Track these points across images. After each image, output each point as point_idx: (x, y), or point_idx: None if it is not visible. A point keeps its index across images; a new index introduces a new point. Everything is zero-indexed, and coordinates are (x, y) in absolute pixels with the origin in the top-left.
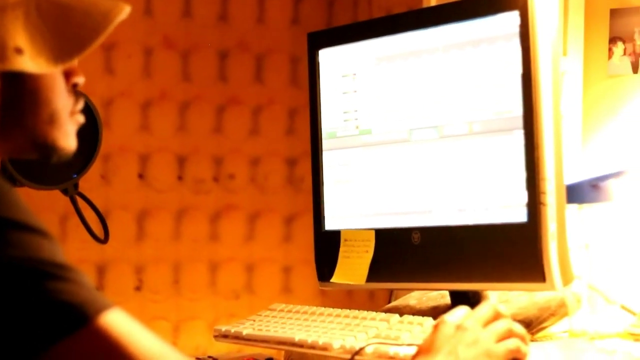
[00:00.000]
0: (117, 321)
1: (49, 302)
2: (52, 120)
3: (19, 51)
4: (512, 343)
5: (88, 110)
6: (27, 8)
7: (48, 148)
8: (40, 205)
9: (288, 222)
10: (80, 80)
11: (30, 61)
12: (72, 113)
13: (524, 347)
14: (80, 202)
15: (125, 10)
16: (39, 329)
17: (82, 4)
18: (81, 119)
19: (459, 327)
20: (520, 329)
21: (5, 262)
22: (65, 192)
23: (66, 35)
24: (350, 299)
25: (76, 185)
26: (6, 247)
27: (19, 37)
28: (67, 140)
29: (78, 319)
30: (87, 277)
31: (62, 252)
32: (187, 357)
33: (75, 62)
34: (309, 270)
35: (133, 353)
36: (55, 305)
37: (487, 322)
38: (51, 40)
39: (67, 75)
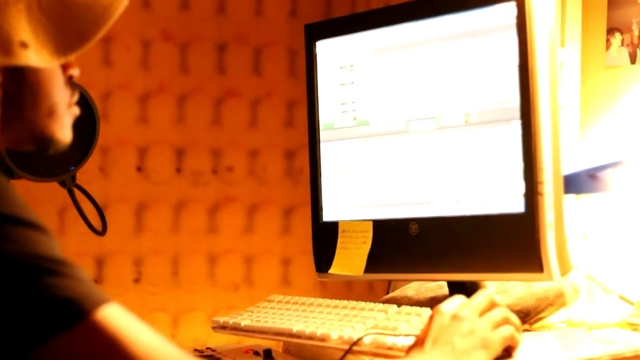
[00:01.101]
0: (114, 316)
1: (46, 298)
2: (51, 112)
3: (24, 45)
4: (507, 330)
5: (85, 103)
6: (29, 2)
7: (46, 140)
8: (38, 197)
9: (287, 214)
10: (76, 72)
11: (35, 55)
12: (69, 105)
13: (517, 335)
14: (79, 195)
15: (125, 3)
16: (35, 324)
17: None
18: (76, 111)
19: (454, 317)
20: (514, 318)
21: (1, 257)
22: (62, 184)
23: (68, 29)
24: (349, 290)
25: (74, 178)
26: (2, 242)
27: (23, 31)
28: (64, 132)
29: (74, 314)
30: (84, 271)
31: (58, 247)
32: (184, 352)
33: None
34: (308, 262)
35: (130, 347)
36: (52, 300)
37: (483, 312)
38: (53, 34)
39: (64, 67)
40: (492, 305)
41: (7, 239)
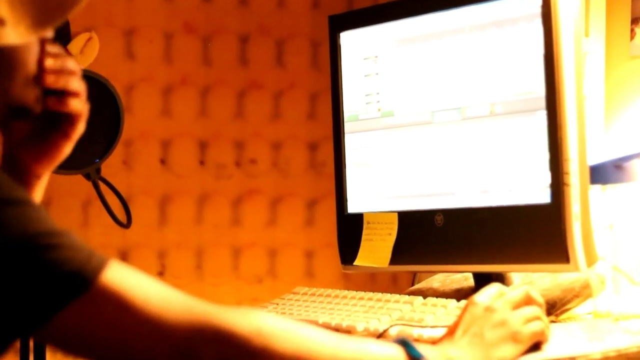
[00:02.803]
0: (118, 275)
1: (48, 273)
2: (28, 83)
3: (2, 23)
4: (537, 325)
5: (110, 96)
6: None
7: (23, 110)
8: (62, 191)
9: (310, 206)
10: (48, 34)
11: (12, 31)
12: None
13: (547, 331)
14: (103, 188)
15: None
16: (41, 300)
17: None
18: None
19: (487, 309)
20: (545, 319)
21: None
22: (87, 176)
23: (46, 2)
24: (373, 282)
25: (98, 170)
26: None
27: (2, 7)
28: (40, 101)
29: (79, 284)
30: (76, 235)
31: (48, 216)
32: (194, 299)
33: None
34: (332, 254)
35: (140, 304)
36: (55, 274)
37: (517, 305)
38: (31, 8)
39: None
40: (528, 300)
41: (1, 221)
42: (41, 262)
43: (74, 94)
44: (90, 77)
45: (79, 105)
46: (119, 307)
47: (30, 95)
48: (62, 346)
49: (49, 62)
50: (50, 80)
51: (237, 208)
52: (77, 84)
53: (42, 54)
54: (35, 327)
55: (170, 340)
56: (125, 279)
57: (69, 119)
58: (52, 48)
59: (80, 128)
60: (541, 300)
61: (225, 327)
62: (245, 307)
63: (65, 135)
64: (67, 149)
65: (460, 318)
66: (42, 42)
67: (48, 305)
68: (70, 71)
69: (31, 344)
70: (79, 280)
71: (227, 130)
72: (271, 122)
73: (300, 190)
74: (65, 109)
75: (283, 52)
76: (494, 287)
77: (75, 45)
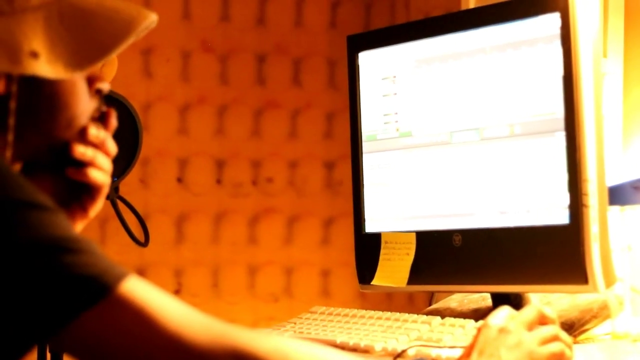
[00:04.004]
0: (138, 288)
1: (68, 277)
2: (70, 125)
3: (34, 55)
4: (555, 346)
5: (128, 114)
6: (49, 12)
7: (64, 153)
8: None
9: (326, 225)
10: (105, 86)
11: (46, 65)
12: (94, 119)
13: (568, 352)
14: (120, 206)
15: (150, 18)
16: (60, 304)
17: (106, 10)
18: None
19: (502, 330)
20: (566, 336)
21: (18, 243)
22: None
23: (87, 41)
24: (389, 301)
25: (117, 189)
26: (16, 229)
27: (37, 40)
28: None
29: (99, 290)
30: (97, 245)
31: (70, 224)
32: (212, 318)
33: (97, 68)
34: (348, 273)
35: (157, 318)
36: (75, 279)
37: (532, 325)
38: (71, 45)
39: (90, 80)
40: (542, 319)
41: (22, 224)
42: (62, 265)
43: (97, 167)
44: (109, 97)
45: (100, 177)
46: (139, 318)
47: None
48: (78, 353)
49: (92, 133)
50: (79, 152)
51: (253, 226)
52: (103, 160)
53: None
54: (53, 331)
55: (189, 356)
56: (145, 291)
57: (89, 191)
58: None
59: (99, 203)
60: (554, 316)
61: (244, 347)
62: (263, 329)
63: (83, 208)
64: (82, 222)
65: (475, 340)
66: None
67: (67, 309)
68: (102, 146)
69: (48, 356)
70: (99, 286)
71: (243, 149)
72: (288, 141)
73: (317, 209)
74: (85, 180)
75: (300, 71)
76: (505, 310)
77: None
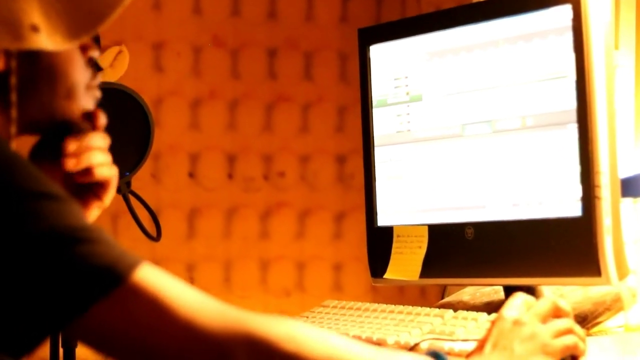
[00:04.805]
0: (151, 276)
1: (82, 266)
2: (69, 95)
3: (35, 29)
4: (569, 339)
5: (140, 109)
6: None
7: (65, 123)
8: None
9: (338, 220)
10: (95, 54)
11: (46, 39)
12: (89, 87)
13: (582, 345)
14: (132, 201)
15: None
16: (75, 293)
17: None
18: (98, 93)
19: (516, 322)
20: (579, 329)
21: (31, 234)
22: (117, 190)
23: (81, 11)
24: (401, 295)
25: (129, 184)
26: (30, 219)
27: (35, 14)
28: (87, 118)
29: (112, 278)
30: (109, 234)
31: (82, 212)
32: (226, 304)
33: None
34: (360, 267)
35: (172, 305)
36: (89, 268)
37: (546, 317)
38: (66, 17)
39: (83, 49)
40: (556, 312)
41: (35, 214)
42: (75, 255)
43: (99, 165)
44: (120, 91)
45: (106, 172)
46: (153, 305)
47: (74, 109)
48: (93, 342)
49: (71, 147)
50: (72, 164)
51: (265, 221)
52: (100, 157)
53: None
54: (68, 320)
55: (203, 343)
56: (158, 279)
57: (100, 185)
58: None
59: (112, 191)
60: (569, 309)
61: (258, 332)
62: (277, 315)
63: (98, 198)
64: (98, 209)
65: (489, 333)
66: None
67: (81, 297)
68: (91, 148)
69: (60, 351)
70: (112, 275)
71: (255, 144)
72: (299, 135)
73: (328, 203)
74: (93, 179)
75: (311, 65)
76: (519, 298)
77: (105, 58)
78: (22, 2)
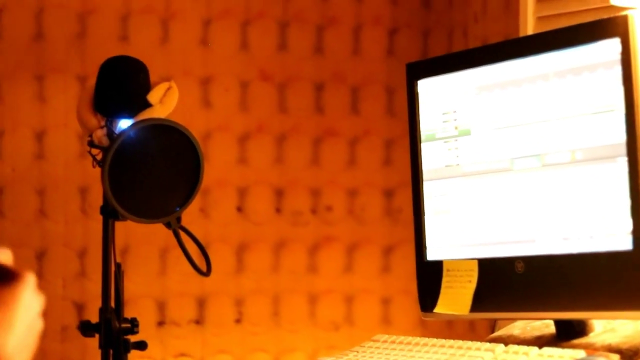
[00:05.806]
0: None
1: None
2: None
3: None
4: None
5: (189, 144)
6: None
7: None
8: (140, 238)
9: (386, 253)
10: None
11: None
12: None
13: None
14: (182, 236)
15: None
16: None
17: None
18: None
19: None
20: None
21: None
22: (168, 225)
23: None
24: (450, 329)
25: (179, 219)
26: None
27: None
28: None
29: None
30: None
31: None
32: None
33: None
34: (409, 301)
35: None
36: None
37: None
38: None
39: None
40: None
41: None
42: None
43: None
44: (170, 127)
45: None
46: None
47: None
48: None
49: None
50: None
51: (313, 255)
52: None
53: None
54: None
55: None
56: None
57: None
58: None
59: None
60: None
61: None
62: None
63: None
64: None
65: None
66: None
67: None
68: None
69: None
70: None
71: (302, 178)
72: (347, 169)
73: (376, 237)
74: None
75: (358, 99)
76: None
77: (155, 95)
78: None
